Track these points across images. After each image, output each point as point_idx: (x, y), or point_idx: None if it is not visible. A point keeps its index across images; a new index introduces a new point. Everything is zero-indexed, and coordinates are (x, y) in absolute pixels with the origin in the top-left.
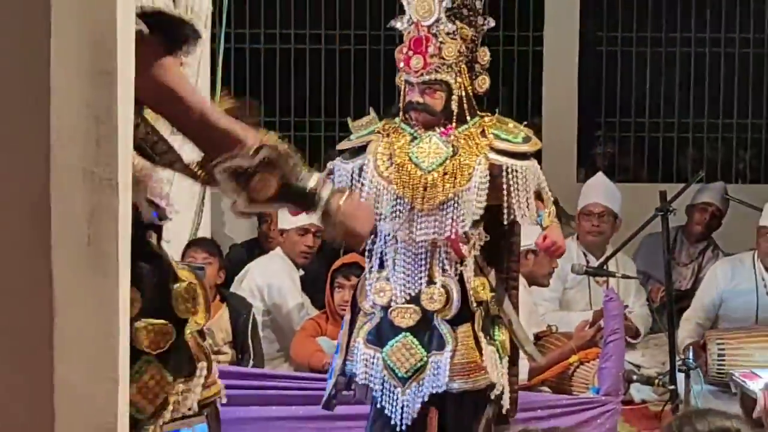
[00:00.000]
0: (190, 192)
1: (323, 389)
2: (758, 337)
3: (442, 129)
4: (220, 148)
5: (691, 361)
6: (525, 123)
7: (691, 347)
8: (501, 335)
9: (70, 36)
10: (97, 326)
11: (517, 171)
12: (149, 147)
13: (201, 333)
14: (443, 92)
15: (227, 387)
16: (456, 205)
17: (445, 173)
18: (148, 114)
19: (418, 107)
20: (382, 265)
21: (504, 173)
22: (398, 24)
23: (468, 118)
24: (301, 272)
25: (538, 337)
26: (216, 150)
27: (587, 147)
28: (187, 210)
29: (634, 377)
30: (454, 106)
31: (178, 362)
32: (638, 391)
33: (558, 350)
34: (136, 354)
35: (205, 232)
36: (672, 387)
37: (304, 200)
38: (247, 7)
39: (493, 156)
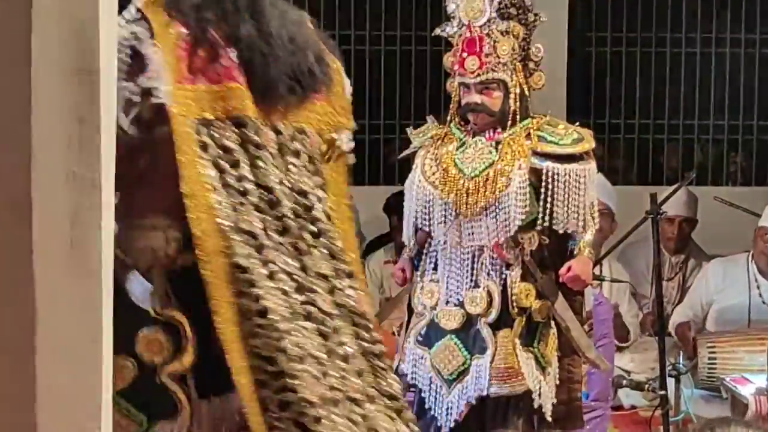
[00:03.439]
0: None
1: None
2: (750, 341)
3: (490, 133)
4: None
5: (681, 365)
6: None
7: (681, 351)
8: (541, 347)
9: (51, 34)
10: (80, 330)
11: (557, 174)
12: None
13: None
14: (500, 91)
15: None
16: (497, 210)
17: (487, 179)
18: None
19: (477, 108)
20: (435, 268)
21: (543, 177)
22: (447, 30)
23: (518, 119)
24: None
25: None
26: None
27: None
28: None
29: (624, 382)
30: (512, 104)
31: (156, 402)
32: (627, 396)
33: None
34: None
35: None
36: (663, 392)
37: None
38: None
39: (535, 160)
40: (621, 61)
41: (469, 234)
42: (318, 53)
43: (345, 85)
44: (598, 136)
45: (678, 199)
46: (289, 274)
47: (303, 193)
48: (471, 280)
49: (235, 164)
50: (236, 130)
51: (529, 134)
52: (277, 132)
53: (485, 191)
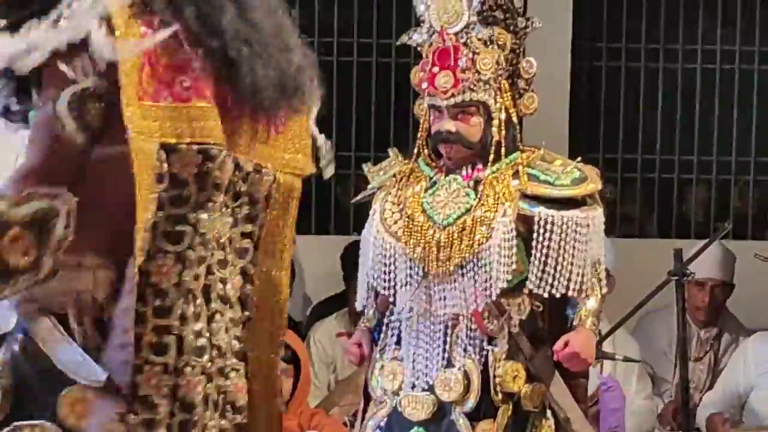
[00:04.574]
0: None
1: None
2: None
3: (468, 170)
4: None
5: None
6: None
7: None
8: None
9: None
10: None
11: (552, 223)
12: None
13: None
14: (480, 117)
15: None
16: (476, 269)
17: (463, 229)
18: None
19: (450, 138)
20: (399, 342)
21: (535, 226)
22: (415, 37)
23: (503, 152)
24: None
25: None
26: None
27: None
28: None
29: None
30: (496, 133)
31: None
32: None
33: None
34: None
35: None
36: None
37: None
38: None
39: (524, 204)
40: (638, 80)
41: (440, 299)
42: (301, 60)
43: (309, 117)
44: (608, 174)
45: (710, 257)
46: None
47: (222, 247)
48: (443, 358)
49: (182, 202)
50: (198, 161)
51: (517, 172)
52: (238, 168)
53: (461, 244)
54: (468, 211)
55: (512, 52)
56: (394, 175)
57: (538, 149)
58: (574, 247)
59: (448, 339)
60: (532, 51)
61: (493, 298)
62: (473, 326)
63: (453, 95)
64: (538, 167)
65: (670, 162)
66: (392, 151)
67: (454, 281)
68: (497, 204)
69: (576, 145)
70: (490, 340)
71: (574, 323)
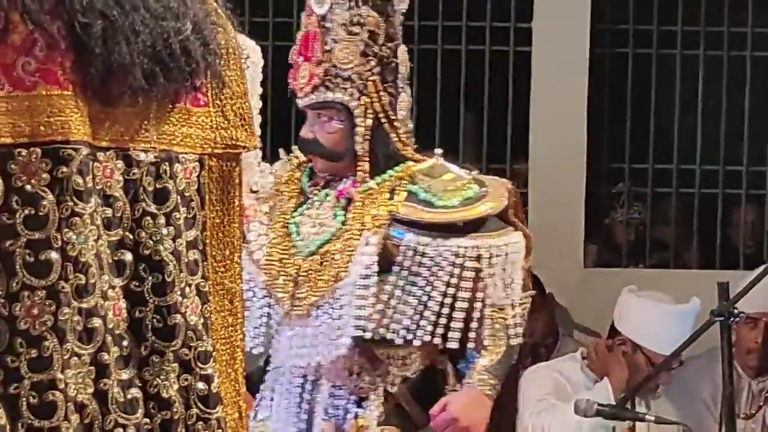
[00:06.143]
0: None
1: None
2: None
3: (346, 184)
4: None
5: None
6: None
7: None
8: None
9: None
10: None
11: (422, 254)
12: None
13: None
14: (343, 121)
15: None
16: (332, 311)
17: (324, 260)
18: None
19: (306, 147)
20: (273, 399)
21: (399, 257)
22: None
23: (379, 165)
24: None
25: None
26: None
27: (600, 210)
28: None
29: None
30: (359, 143)
31: None
32: None
33: None
34: None
35: None
36: None
37: None
38: None
39: (395, 231)
40: (673, 71)
41: (298, 347)
42: (199, 22)
43: (246, 77)
44: (636, 189)
45: (764, 288)
46: None
47: (158, 268)
48: (303, 421)
49: (37, 225)
50: (48, 166)
51: (394, 189)
52: (129, 162)
53: (318, 280)
54: (334, 237)
55: (387, 39)
56: (278, 184)
57: (430, 157)
58: (457, 286)
59: (306, 396)
60: (542, 36)
61: (342, 351)
62: (337, 382)
63: (306, 94)
64: (421, 183)
65: (712, 174)
66: (282, 153)
67: (308, 326)
68: (364, 230)
69: (595, 152)
70: (361, 400)
71: (465, 381)
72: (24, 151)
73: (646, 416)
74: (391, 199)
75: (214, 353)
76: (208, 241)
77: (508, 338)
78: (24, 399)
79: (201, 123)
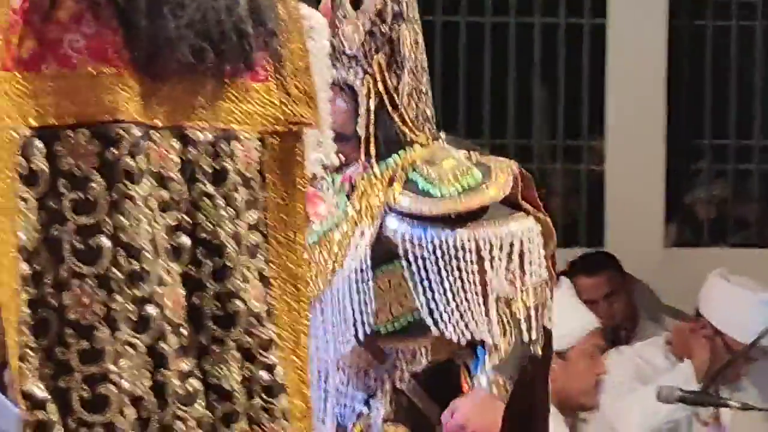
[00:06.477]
0: None
1: None
2: None
3: (354, 168)
4: None
5: None
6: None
7: None
8: None
9: None
10: None
11: (421, 247)
12: None
13: None
14: (346, 102)
15: None
16: (334, 303)
17: (322, 251)
18: None
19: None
20: None
21: (400, 250)
22: None
23: (372, 150)
24: None
25: None
26: None
27: (680, 188)
28: None
29: None
30: (362, 125)
31: None
32: None
33: None
34: None
35: None
36: None
37: None
38: None
39: (390, 222)
40: (752, 43)
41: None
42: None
43: (307, 51)
44: (717, 166)
45: None
46: None
47: (217, 252)
48: (324, 413)
49: (85, 209)
50: (97, 148)
51: (394, 177)
52: (185, 141)
53: (317, 270)
54: (336, 225)
55: (395, 18)
56: None
57: (439, 141)
58: (460, 279)
59: (321, 393)
60: (618, 8)
61: (349, 347)
62: (344, 378)
63: None
64: (420, 170)
65: None
66: None
67: (314, 317)
68: (362, 220)
69: (675, 128)
70: (369, 397)
71: (473, 382)
72: (71, 133)
73: (730, 402)
74: (390, 186)
75: (277, 341)
76: (270, 223)
77: (521, 333)
78: (75, 393)
79: (261, 99)
